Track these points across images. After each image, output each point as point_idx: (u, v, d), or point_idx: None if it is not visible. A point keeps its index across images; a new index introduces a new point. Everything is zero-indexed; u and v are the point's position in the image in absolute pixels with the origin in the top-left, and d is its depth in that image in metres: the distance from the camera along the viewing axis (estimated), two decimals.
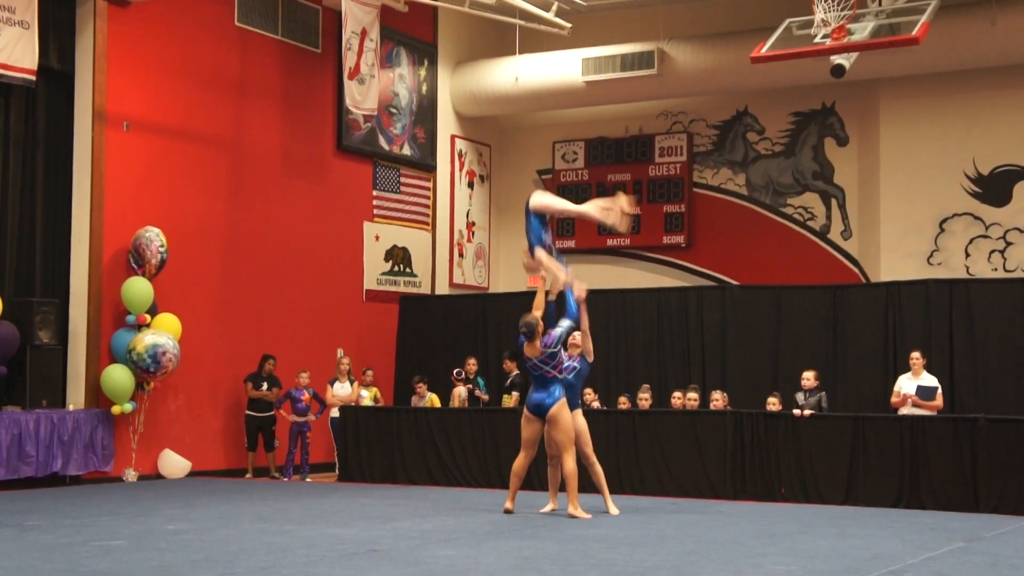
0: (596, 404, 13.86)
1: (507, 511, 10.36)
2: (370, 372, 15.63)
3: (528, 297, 17.27)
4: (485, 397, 15.20)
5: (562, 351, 10.24)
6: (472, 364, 15.43)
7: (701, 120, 18.83)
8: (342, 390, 15.19)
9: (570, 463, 10.10)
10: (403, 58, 18.15)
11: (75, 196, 13.77)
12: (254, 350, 15.16)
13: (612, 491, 12.43)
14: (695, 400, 13.40)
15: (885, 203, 17.13)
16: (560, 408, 10.12)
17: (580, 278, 18.67)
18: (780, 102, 18.16)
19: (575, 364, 10.47)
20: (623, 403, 13.85)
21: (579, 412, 10.49)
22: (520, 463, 10.33)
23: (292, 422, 14.83)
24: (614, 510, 10.37)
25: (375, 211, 17.70)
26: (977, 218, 16.73)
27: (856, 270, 17.61)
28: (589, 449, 10.47)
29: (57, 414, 13.00)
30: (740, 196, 18.57)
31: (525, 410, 10.30)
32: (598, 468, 10.50)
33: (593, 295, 16.36)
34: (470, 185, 19.62)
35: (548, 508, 10.50)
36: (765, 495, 12.31)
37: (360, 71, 15.94)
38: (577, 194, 19.51)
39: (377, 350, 17.29)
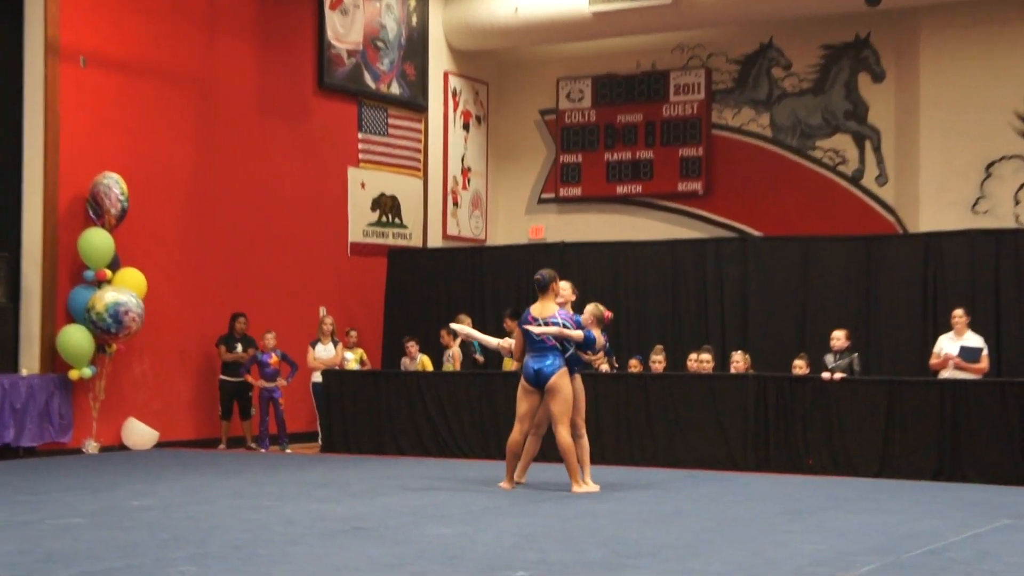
0: (604, 367, 13.84)
1: (505, 488, 10.32)
2: (355, 333, 15.60)
3: (529, 251, 17.38)
4: (481, 359, 15.18)
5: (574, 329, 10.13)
6: (467, 323, 15.34)
7: (721, 54, 18.70)
8: (324, 352, 15.16)
9: (565, 436, 10.07)
10: None
11: (26, 139, 13.66)
12: (227, 309, 15.13)
13: (622, 462, 12.44)
14: (709, 362, 13.38)
15: (925, 145, 17.04)
16: (560, 378, 10.07)
17: (587, 229, 18.82)
18: (809, 34, 18.01)
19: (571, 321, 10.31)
20: (634, 366, 13.83)
21: (578, 377, 10.43)
22: (515, 438, 10.29)
23: (261, 388, 14.82)
24: (590, 487, 10.26)
25: (360, 156, 17.61)
26: None
27: (892, 219, 17.55)
28: (581, 419, 10.42)
29: (9, 380, 12.96)
30: (764, 138, 18.47)
31: (522, 380, 10.25)
32: (585, 442, 10.45)
33: (601, 248, 16.56)
34: (465, 127, 19.51)
35: (505, 484, 10.38)
36: (791, 467, 12.31)
37: (343, 1, 15.79)
38: (583, 137, 19.46)
39: (363, 309, 17.26)
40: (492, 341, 11.14)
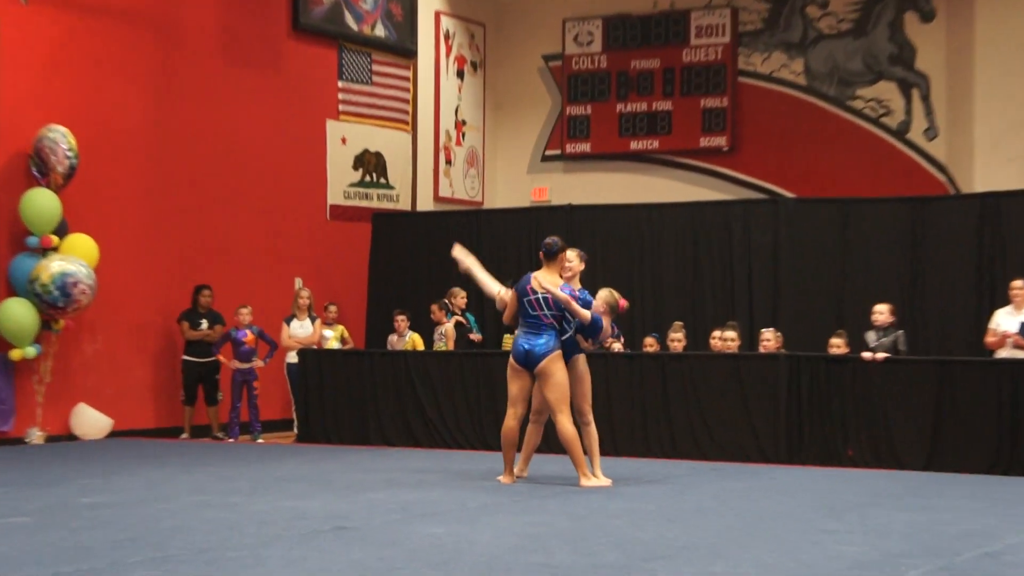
0: (617, 347, 13.82)
1: (505, 483, 10.33)
2: (335, 307, 15.61)
3: (531, 215, 17.37)
4: (478, 337, 15.18)
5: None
6: (461, 297, 15.37)
7: None
8: (301, 330, 15.17)
9: (566, 425, 10.05)
10: None
11: None
12: (190, 280, 15.13)
13: (636, 453, 12.46)
14: (735, 341, 13.37)
15: (980, 94, 17.01)
16: (551, 362, 10.02)
17: (597, 190, 18.78)
18: None
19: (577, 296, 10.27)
20: (650, 345, 13.82)
21: (582, 358, 10.39)
22: (509, 425, 10.26)
23: (234, 370, 14.83)
24: (600, 480, 10.27)
25: (341, 107, 17.58)
26: None
27: (943, 178, 17.53)
28: (587, 405, 10.39)
29: None
30: (797, 87, 18.44)
31: (510, 358, 10.23)
32: (593, 430, 10.43)
33: (613, 212, 16.54)
34: (459, 74, 19.47)
35: (505, 478, 10.39)
36: (827, 459, 12.32)
37: None
38: (593, 85, 19.41)
39: (344, 280, 17.27)
40: (493, 287, 10.86)
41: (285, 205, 16.79)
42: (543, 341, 10.04)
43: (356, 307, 17.15)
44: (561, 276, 10.21)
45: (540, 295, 10.07)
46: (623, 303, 10.51)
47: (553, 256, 10.18)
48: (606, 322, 10.29)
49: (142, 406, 15.02)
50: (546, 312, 10.06)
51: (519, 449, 10.61)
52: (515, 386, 10.25)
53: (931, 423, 12.06)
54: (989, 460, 11.81)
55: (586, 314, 10.09)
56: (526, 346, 10.09)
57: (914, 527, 8.34)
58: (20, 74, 13.89)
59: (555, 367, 10.06)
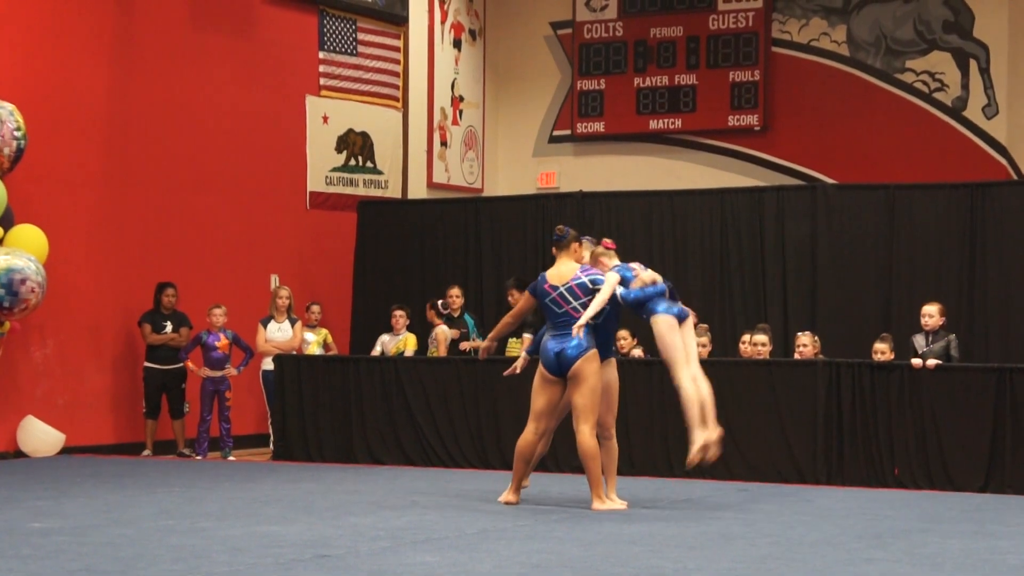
0: (637, 352, 13.86)
1: (508, 503, 10.37)
2: (317, 308, 15.63)
3: (538, 203, 17.37)
4: (478, 343, 15.16)
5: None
6: (456, 296, 15.38)
7: None
8: (279, 333, 15.21)
9: (588, 437, 10.06)
10: None
11: None
12: (153, 277, 15.15)
13: (657, 473, 12.48)
14: (766, 346, 13.40)
15: None
16: (587, 363, 10.04)
17: (612, 175, 18.80)
18: None
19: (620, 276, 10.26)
20: None
21: (612, 363, 10.45)
22: (528, 439, 10.29)
23: (205, 378, 14.86)
24: (615, 503, 10.32)
25: (322, 81, 17.60)
26: None
27: (1004, 161, 17.55)
28: (612, 417, 10.43)
29: None
30: (839, 58, 18.46)
31: (539, 367, 10.25)
32: (614, 445, 10.47)
33: (630, 199, 16.55)
34: (456, 44, 19.48)
35: (510, 497, 10.43)
36: (872, 479, 12.35)
37: None
38: (607, 57, 19.41)
39: (327, 277, 17.30)
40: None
41: (260, 192, 16.80)
42: (575, 342, 10.05)
43: (340, 307, 17.16)
44: (578, 261, 10.25)
45: (562, 288, 10.10)
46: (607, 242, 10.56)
47: (565, 245, 10.22)
48: (640, 272, 10.24)
49: (99, 419, 15.03)
50: (575, 305, 10.07)
51: (541, 465, 10.64)
52: (542, 399, 10.23)
53: (989, 438, 12.07)
54: None
55: (608, 289, 10.05)
56: (556, 349, 10.09)
57: (970, 556, 8.36)
58: None
59: (590, 369, 10.05)
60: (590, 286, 10.07)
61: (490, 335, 10.89)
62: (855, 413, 12.48)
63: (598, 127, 19.45)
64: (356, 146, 18.02)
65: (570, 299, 10.10)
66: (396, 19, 18.50)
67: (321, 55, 17.61)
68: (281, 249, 16.97)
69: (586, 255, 10.47)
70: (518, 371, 10.86)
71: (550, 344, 10.14)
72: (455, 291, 15.41)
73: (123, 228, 15.33)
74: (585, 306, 10.03)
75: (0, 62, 14.19)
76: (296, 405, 14.43)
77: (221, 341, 14.88)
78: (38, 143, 14.14)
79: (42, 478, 12.29)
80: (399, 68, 18.58)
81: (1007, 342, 14.23)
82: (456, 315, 15.30)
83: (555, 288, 10.14)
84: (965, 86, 17.83)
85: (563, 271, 10.18)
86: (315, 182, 17.51)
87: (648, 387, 13.05)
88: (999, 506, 11.02)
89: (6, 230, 13.81)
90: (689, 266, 15.85)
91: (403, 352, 14.90)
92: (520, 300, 10.51)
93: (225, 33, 16.45)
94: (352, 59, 17.97)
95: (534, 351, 10.56)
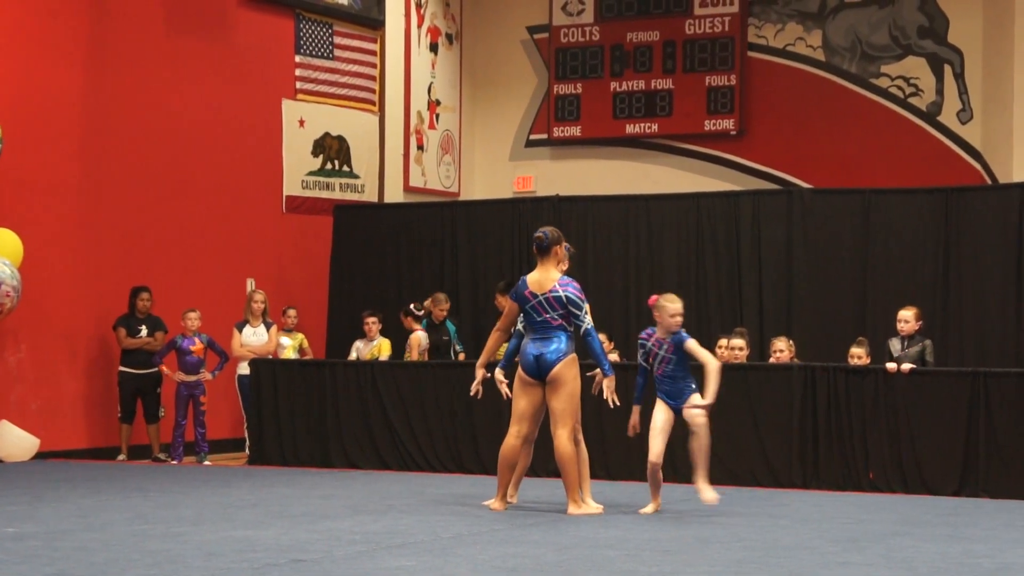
0: (614, 357, 13.87)
1: (494, 510, 10.36)
2: (293, 312, 15.63)
3: (514, 207, 17.36)
4: (462, 355, 15.11)
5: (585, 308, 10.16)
6: (443, 301, 15.31)
7: None
8: (254, 337, 15.19)
9: (565, 442, 10.08)
10: None
11: None
12: (127, 281, 15.12)
13: (633, 478, 12.49)
14: (743, 350, 13.43)
15: (1021, 71, 17.01)
16: (566, 367, 10.07)
17: (588, 179, 18.80)
18: None
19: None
20: None
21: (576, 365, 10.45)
22: (511, 444, 10.28)
23: (179, 383, 14.84)
24: (591, 507, 10.33)
25: (298, 85, 17.61)
26: None
27: (978, 166, 17.61)
28: (577, 422, 10.44)
29: None
30: (814, 63, 18.52)
31: (519, 371, 10.26)
32: (583, 449, 10.49)
33: (607, 204, 16.56)
34: (433, 48, 19.48)
35: (496, 504, 10.43)
36: (847, 483, 12.39)
37: None
38: (584, 61, 19.43)
39: (303, 281, 17.29)
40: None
41: (235, 196, 16.78)
42: (554, 347, 10.09)
43: (316, 312, 17.14)
44: (558, 269, 10.25)
45: (541, 297, 10.11)
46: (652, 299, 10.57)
47: (547, 250, 10.21)
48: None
49: (73, 424, 15.00)
50: (553, 314, 10.10)
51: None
52: (523, 401, 10.25)
53: (963, 443, 12.10)
54: None
55: (716, 382, 10.37)
56: (535, 353, 10.12)
57: (945, 559, 8.39)
58: None
59: (569, 374, 10.10)
60: (565, 301, 10.09)
61: (480, 361, 10.64)
62: (830, 417, 12.51)
63: (575, 131, 19.47)
64: (332, 150, 18.02)
65: (548, 309, 10.12)
66: (372, 23, 18.51)
67: (297, 59, 17.60)
68: (257, 253, 16.96)
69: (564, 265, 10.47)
70: (480, 396, 10.81)
71: (530, 347, 10.17)
72: (441, 296, 15.30)
73: (98, 232, 15.30)
74: (563, 317, 10.09)
75: None
76: (272, 409, 14.41)
77: (196, 345, 14.86)
78: (12, 147, 14.11)
79: (16, 483, 12.24)
80: (375, 72, 18.58)
81: (982, 346, 14.28)
82: (439, 322, 15.25)
83: (535, 295, 10.15)
84: (940, 91, 17.89)
85: (543, 279, 10.17)
86: (291, 186, 17.50)
87: (623, 393, 13.04)
88: (973, 510, 11.05)
89: None
90: (665, 270, 15.86)
91: (378, 358, 14.88)
92: (506, 308, 10.48)
93: (201, 37, 16.43)
94: (328, 63, 17.97)
95: (506, 365, 10.53)
